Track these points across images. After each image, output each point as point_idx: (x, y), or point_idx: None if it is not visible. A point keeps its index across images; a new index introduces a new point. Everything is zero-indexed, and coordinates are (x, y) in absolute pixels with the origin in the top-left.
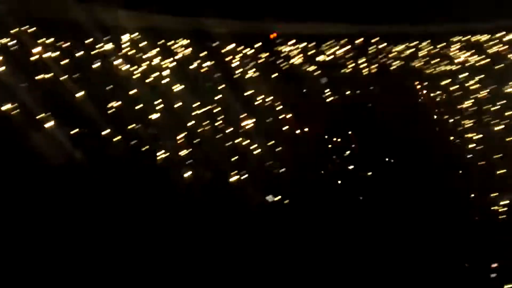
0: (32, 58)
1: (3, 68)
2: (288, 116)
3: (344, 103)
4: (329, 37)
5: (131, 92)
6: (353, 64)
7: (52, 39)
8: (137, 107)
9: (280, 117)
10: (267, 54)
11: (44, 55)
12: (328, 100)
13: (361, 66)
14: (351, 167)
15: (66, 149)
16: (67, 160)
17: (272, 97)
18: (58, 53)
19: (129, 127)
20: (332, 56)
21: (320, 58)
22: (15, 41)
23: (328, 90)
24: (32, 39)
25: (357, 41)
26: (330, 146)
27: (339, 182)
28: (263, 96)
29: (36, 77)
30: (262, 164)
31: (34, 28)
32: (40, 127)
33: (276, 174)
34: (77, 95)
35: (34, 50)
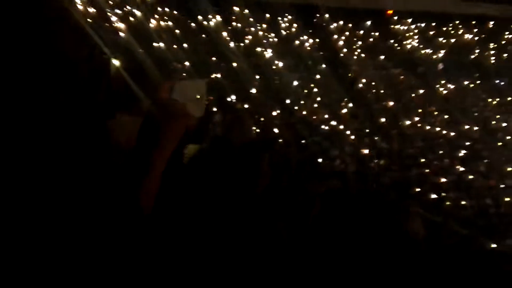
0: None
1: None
2: (390, 104)
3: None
4: (454, 16)
5: (233, 65)
6: (479, 50)
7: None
8: (236, 80)
9: (381, 105)
10: (378, 33)
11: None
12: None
13: (489, 52)
14: None
15: None
16: None
17: (375, 83)
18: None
19: (226, 99)
20: (454, 39)
21: (441, 40)
22: None
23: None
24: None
25: (490, 24)
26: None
27: None
28: (365, 80)
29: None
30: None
31: None
32: None
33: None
34: (185, 63)
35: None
